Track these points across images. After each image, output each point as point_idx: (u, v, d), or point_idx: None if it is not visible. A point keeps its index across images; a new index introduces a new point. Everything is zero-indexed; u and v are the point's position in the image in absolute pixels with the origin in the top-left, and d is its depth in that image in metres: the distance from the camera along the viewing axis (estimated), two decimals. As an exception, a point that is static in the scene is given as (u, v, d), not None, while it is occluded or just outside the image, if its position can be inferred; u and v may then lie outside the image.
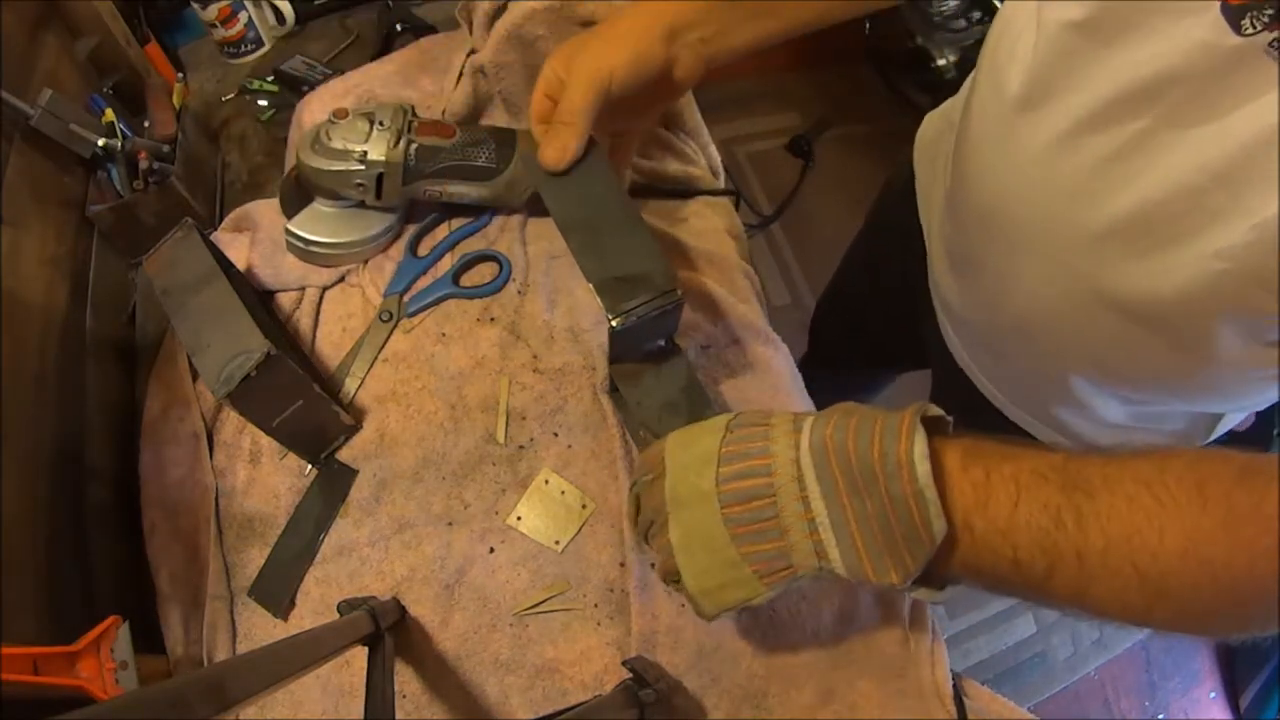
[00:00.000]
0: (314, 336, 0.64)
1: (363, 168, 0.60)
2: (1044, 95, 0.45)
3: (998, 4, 1.38)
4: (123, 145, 0.66)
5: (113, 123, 0.66)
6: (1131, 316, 0.46)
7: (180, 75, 0.83)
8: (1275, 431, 0.84)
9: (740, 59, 0.54)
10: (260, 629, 0.54)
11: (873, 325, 0.93)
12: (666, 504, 0.42)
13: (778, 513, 0.39)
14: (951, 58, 1.61)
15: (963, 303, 0.61)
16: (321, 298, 0.65)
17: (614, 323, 0.48)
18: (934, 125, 0.69)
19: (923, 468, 0.34)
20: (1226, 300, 0.40)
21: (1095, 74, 0.41)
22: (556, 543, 0.56)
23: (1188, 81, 0.37)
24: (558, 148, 0.50)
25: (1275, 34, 0.33)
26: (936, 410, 0.37)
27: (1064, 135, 0.44)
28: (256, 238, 0.66)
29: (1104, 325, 0.48)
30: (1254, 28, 0.34)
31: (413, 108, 0.63)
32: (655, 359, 0.55)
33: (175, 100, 0.75)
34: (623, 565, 0.55)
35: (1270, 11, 0.33)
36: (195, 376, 0.61)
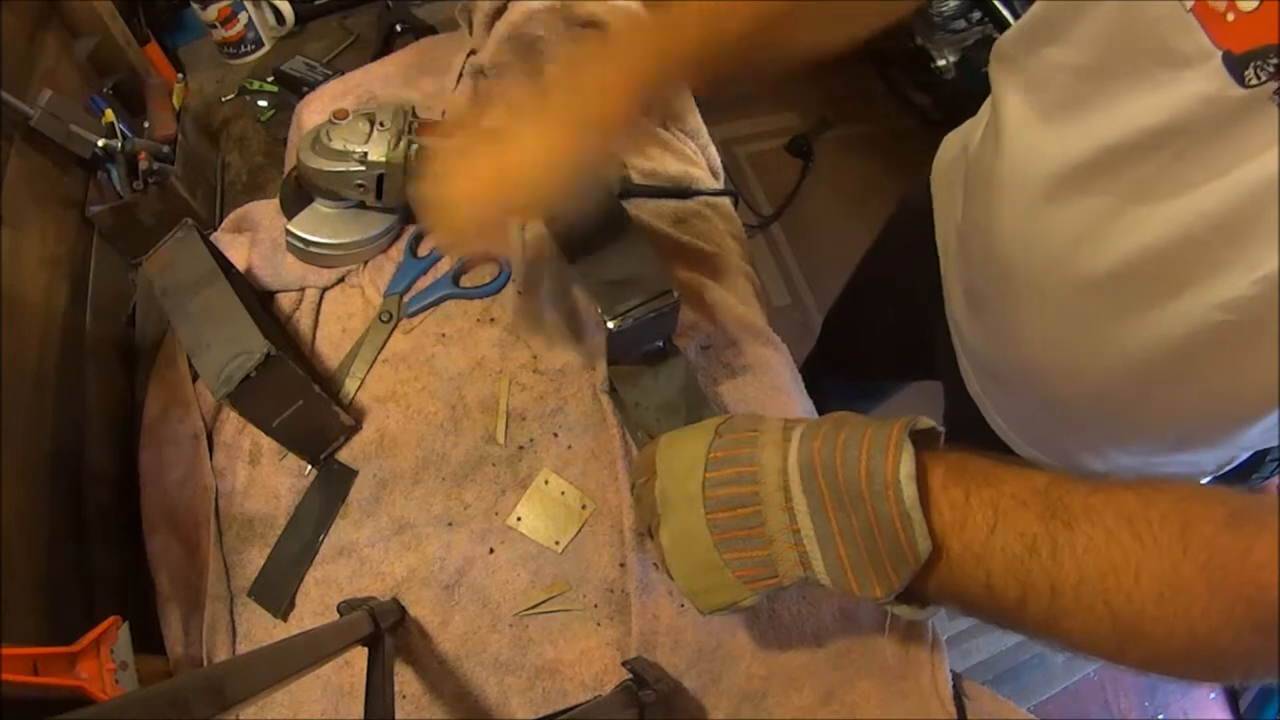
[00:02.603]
0: (314, 337, 0.64)
1: (363, 168, 0.60)
2: (1046, 143, 0.44)
3: (998, 5, 1.38)
4: (122, 145, 0.66)
5: (112, 123, 0.66)
6: (1135, 363, 0.45)
7: (180, 75, 0.83)
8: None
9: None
10: (260, 629, 0.54)
11: (885, 338, 0.91)
12: (658, 506, 0.42)
13: (763, 522, 0.38)
14: (951, 58, 1.61)
15: (975, 335, 0.61)
16: (321, 298, 0.65)
17: (611, 324, 0.48)
18: (950, 150, 0.68)
19: (909, 489, 0.34)
20: (1230, 352, 0.39)
21: (1097, 122, 0.40)
22: (556, 543, 0.56)
23: (1190, 133, 0.36)
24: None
25: None
26: (927, 422, 0.36)
27: (1066, 182, 0.43)
28: (256, 238, 0.66)
29: (1108, 370, 0.47)
30: (1258, 79, 0.32)
31: (413, 108, 0.63)
32: (654, 360, 0.55)
33: (175, 100, 0.75)
34: (623, 565, 0.55)
35: (1275, 61, 0.32)
36: (195, 377, 0.61)
